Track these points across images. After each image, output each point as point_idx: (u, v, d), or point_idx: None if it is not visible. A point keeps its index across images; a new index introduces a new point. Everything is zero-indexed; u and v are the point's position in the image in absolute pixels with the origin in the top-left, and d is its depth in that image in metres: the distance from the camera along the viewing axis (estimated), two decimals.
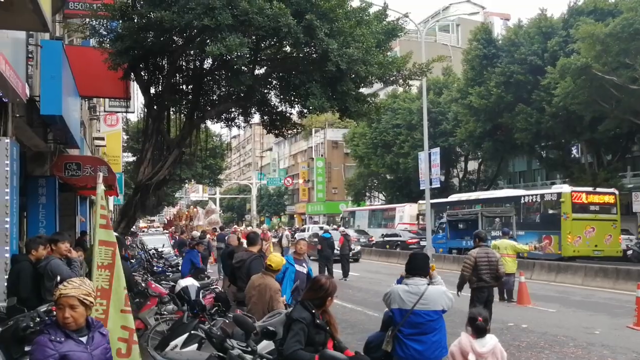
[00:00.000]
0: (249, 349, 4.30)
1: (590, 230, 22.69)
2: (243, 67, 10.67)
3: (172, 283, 9.32)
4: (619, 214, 23.83)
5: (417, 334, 4.68)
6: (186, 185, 56.18)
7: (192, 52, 11.77)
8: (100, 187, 4.93)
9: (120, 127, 26.76)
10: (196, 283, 7.45)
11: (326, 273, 17.16)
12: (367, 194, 53.23)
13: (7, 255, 6.37)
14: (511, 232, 18.64)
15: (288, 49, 11.26)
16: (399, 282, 5.02)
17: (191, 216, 38.50)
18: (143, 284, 9.25)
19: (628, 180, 32.10)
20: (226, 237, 15.78)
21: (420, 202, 32.77)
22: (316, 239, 20.34)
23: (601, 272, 16.81)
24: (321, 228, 28.60)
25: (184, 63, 12.36)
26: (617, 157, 31.18)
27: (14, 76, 6.28)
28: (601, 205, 23.41)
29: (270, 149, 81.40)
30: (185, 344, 5.51)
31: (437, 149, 31.57)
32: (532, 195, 25.84)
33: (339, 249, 19.89)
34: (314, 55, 10.62)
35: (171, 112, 13.42)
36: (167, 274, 11.81)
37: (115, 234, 5.30)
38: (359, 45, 10.30)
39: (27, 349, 4.49)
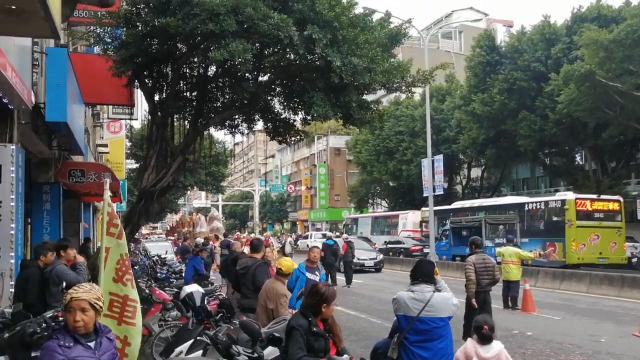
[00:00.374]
0: (255, 355, 4.30)
1: (594, 238, 22.56)
2: (247, 74, 10.69)
3: (176, 289, 9.32)
4: (623, 221, 23.69)
5: (422, 340, 4.65)
6: (189, 192, 56.22)
7: (196, 59, 11.79)
8: (107, 194, 4.95)
9: (124, 134, 26.84)
10: (201, 289, 7.45)
11: (329, 281, 17.12)
12: (370, 201, 53.11)
13: (13, 261, 6.38)
14: (515, 239, 18.57)
15: (291, 56, 11.27)
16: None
17: (194, 223, 38.43)
18: (147, 291, 9.24)
19: (632, 188, 31.98)
20: (230, 244, 15.78)
21: (423, 209, 32.72)
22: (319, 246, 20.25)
23: (606, 279, 16.73)
24: (324, 235, 28.55)
25: (188, 70, 12.39)
26: (621, 164, 31.10)
27: (19, 83, 6.31)
28: (606, 212, 23.26)
29: (273, 156, 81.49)
30: (191, 350, 5.50)
31: (440, 156, 31.56)
32: (536, 202, 25.71)
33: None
34: (317, 63, 10.63)
35: (175, 119, 13.43)
36: (170, 280, 11.82)
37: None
38: (364, 53, 10.31)
39: (33, 354, 4.49)
